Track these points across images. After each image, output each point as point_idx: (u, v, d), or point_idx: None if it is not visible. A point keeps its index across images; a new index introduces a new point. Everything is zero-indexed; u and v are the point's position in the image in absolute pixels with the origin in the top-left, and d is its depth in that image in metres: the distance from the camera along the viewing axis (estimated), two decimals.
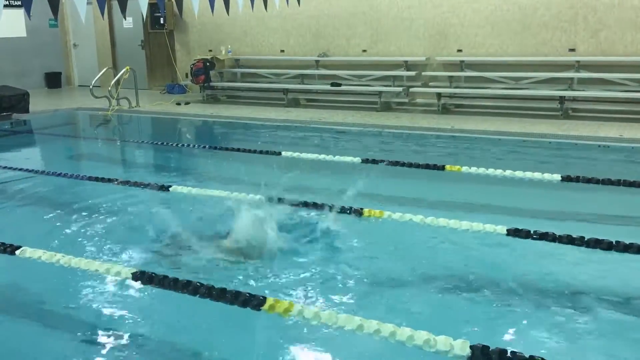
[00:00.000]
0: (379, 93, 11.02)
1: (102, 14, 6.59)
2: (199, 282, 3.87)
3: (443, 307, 3.82)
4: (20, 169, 7.25)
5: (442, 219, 4.95)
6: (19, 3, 13.61)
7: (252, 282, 4.15)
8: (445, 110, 10.59)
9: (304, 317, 3.49)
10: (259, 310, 3.59)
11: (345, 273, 4.24)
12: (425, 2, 11.28)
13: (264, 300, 3.64)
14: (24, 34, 14.51)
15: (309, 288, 4.04)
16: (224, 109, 11.64)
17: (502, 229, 4.70)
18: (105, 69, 12.45)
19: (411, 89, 11.01)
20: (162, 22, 13.92)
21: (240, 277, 4.20)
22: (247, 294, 3.71)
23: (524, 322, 3.56)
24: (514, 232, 4.63)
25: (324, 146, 8.56)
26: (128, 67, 11.67)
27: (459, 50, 11.15)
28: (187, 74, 13.89)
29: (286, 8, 11.61)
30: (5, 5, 12.92)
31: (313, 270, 4.31)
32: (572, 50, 10.26)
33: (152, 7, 13.65)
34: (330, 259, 4.50)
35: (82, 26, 15.05)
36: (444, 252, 4.55)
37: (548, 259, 4.38)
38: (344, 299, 3.90)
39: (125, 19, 13.63)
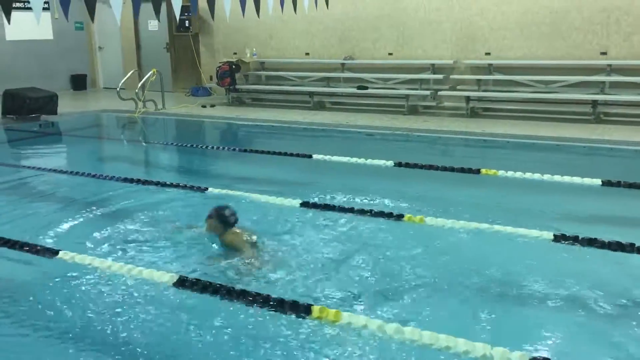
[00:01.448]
0: (406, 96, 10.92)
1: (137, 15, 6.57)
2: (243, 289, 3.81)
3: (497, 318, 3.72)
4: (54, 170, 7.29)
5: (485, 224, 4.85)
6: (46, 5, 13.74)
7: (294, 289, 4.10)
8: (473, 114, 10.47)
9: (351, 325, 3.42)
10: (305, 318, 3.53)
11: (389, 280, 4.17)
12: (453, 4, 11.18)
13: (309, 308, 3.57)
14: (50, 36, 14.63)
15: (354, 296, 3.97)
16: (250, 111, 11.62)
17: (548, 235, 4.58)
18: (132, 72, 12.50)
19: (438, 93, 10.90)
20: (187, 24, 13.95)
21: (282, 284, 4.14)
22: (293, 302, 3.64)
23: (580, 334, 3.46)
24: (561, 238, 4.51)
25: (353, 149, 8.47)
26: (154, 70, 11.70)
27: (487, 54, 11.02)
28: (211, 77, 13.93)
29: (312, 11, 11.60)
30: (30, 8, 13.08)
31: (356, 277, 4.24)
32: (604, 53, 10.09)
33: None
34: (373, 266, 4.43)
35: (108, 29, 15.16)
36: (492, 260, 4.44)
37: (600, 266, 4.27)
38: (390, 308, 3.82)
39: (159, 21, 13.66)
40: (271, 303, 3.67)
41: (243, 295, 3.77)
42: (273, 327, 3.56)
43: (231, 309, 3.76)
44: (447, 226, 4.97)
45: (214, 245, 4.72)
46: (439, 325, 3.45)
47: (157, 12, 6.57)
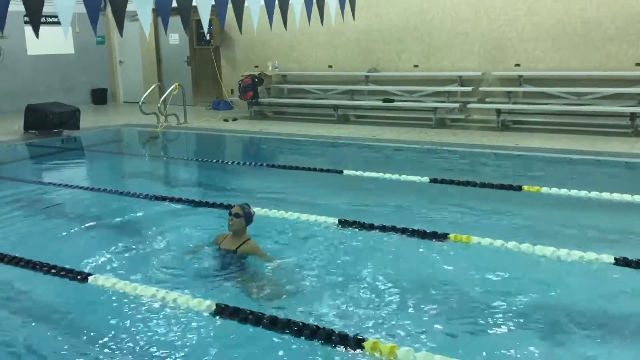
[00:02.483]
0: (434, 109, 10.66)
1: (165, 30, 6.41)
2: (288, 319, 3.56)
3: (556, 350, 3.43)
4: (80, 187, 7.12)
5: (539, 246, 4.56)
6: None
7: (336, 317, 3.83)
8: (504, 127, 10.17)
9: None
10: (358, 350, 3.26)
11: (440, 308, 3.89)
12: (481, 16, 10.93)
13: (361, 341, 3.30)
14: (72, 50, 14.59)
15: (405, 326, 3.70)
16: (273, 125, 11.42)
17: (609, 258, 4.28)
18: (154, 85, 12.39)
19: (467, 105, 10.62)
20: (208, 38, 13.84)
21: (322, 311, 3.88)
22: (344, 333, 3.38)
23: None
24: (623, 262, 4.21)
25: (384, 164, 8.23)
26: (177, 84, 11.56)
27: (517, 65, 10.74)
28: (232, 90, 13.78)
29: (333, 23, 11.41)
30: (54, 22, 13.03)
31: (406, 304, 3.97)
32: (639, 64, 9.77)
33: (197, 23, 13.62)
34: (420, 290, 4.15)
35: (128, 43, 15.11)
36: (546, 285, 4.15)
37: None
38: (445, 340, 3.55)
39: (187, 35, 13.61)
40: (321, 334, 3.41)
41: (288, 326, 3.52)
42: None
43: (275, 340, 3.51)
44: (495, 246, 4.69)
45: (229, 261, 4.53)
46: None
47: (185, 25, 6.40)
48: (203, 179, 8.07)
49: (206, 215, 5.82)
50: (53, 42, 13.63)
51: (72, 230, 5.57)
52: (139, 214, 6.02)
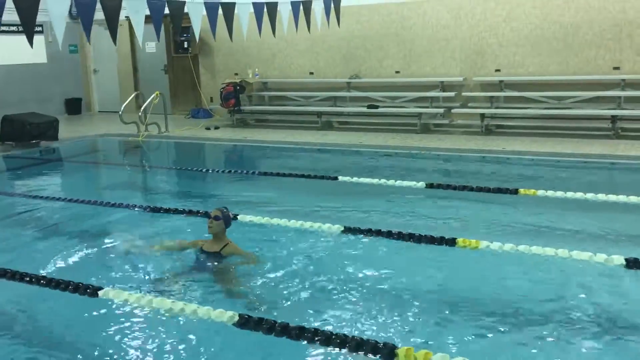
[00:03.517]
0: (419, 115, 10.74)
1: (158, 36, 6.32)
2: (316, 328, 3.51)
3: (575, 351, 3.47)
4: (65, 200, 6.92)
5: (549, 248, 4.62)
6: (40, 29, 13.39)
7: (357, 324, 3.81)
8: (487, 131, 10.31)
9: None
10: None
11: (456, 312, 3.90)
12: (462, 22, 11.08)
13: (393, 349, 3.27)
14: (44, 59, 14.24)
15: (423, 331, 3.69)
16: (257, 133, 11.34)
17: (619, 260, 4.36)
18: (134, 94, 12.19)
19: (452, 110, 10.74)
20: (186, 46, 13.69)
21: (336, 319, 3.85)
22: (374, 341, 3.35)
23: None
24: (634, 264, 4.29)
25: (377, 170, 8.24)
26: (158, 92, 11.39)
27: (497, 70, 10.92)
28: (211, 98, 13.64)
29: (316, 30, 11.42)
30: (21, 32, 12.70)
31: (424, 310, 3.96)
32: (617, 68, 10.04)
33: (175, 31, 13.46)
34: (434, 296, 4.16)
35: (103, 51, 14.83)
36: (559, 288, 4.20)
37: None
38: (461, 342, 3.55)
39: (178, 42, 13.49)
40: (349, 343, 3.37)
41: (315, 335, 3.47)
42: None
43: (302, 350, 3.46)
44: (505, 250, 4.73)
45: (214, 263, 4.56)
46: None
47: (176, 31, 6.34)
48: (194, 189, 7.93)
49: (200, 225, 5.71)
50: (25, 51, 13.30)
51: (58, 243, 5.41)
52: (126, 224, 5.89)
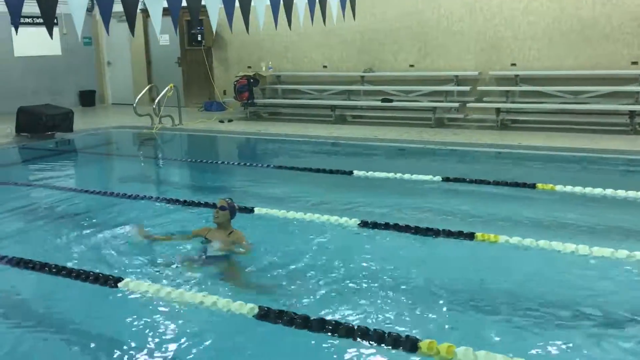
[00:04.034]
0: (433, 109, 10.68)
1: (175, 29, 6.31)
2: (337, 320, 3.51)
3: (600, 346, 3.44)
4: (83, 191, 6.95)
5: (569, 244, 4.57)
6: (55, 21, 13.43)
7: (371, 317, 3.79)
8: (503, 126, 10.24)
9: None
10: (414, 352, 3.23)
11: (476, 306, 3.87)
12: (477, 15, 11.00)
13: (416, 343, 3.26)
14: (59, 52, 14.30)
15: (443, 325, 3.68)
16: (270, 126, 11.34)
17: None
18: (149, 87, 12.22)
19: (467, 105, 10.67)
20: (199, 38, 13.69)
21: (356, 309, 3.84)
22: (396, 334, 3.34)
23: None
24: None
25: (391, 164, 8.22)
26: (172, 85, 11.40)
27: (513, 64, 10.83)
28: (224, 91, 13.65)
29: (330, 23, 11.36)
30: (40, 23, 12.76)
31: (444, 304, 3.94)
32: (635, 63, 9.92)
33: (189, 23, 13.48)
34: (453, 290, 4.13)
35: (117, 44, 14.87)
36: (581, 284, 4.17)
37: None
38: (483, 336, 3.53)
39: (198, 34, 13.49)
40: (370, 335, 3.37)
41: (337, 327, 3.46)
42: None
43: (322, 343, 3.45)
44: (523, 245, 4.69)
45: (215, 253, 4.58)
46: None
47: (194, 21, 6.32)
48: (208, 181, 7.94)
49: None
50: (40, 43, 13.38)
51: (76, 234, 5.42)
52: (139, 216, 5.89)
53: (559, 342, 3.40)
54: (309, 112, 12.16)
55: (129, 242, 5.00)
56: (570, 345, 3.40)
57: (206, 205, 6.03)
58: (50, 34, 5.13)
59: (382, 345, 3.30)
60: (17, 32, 5.20)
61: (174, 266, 4.54)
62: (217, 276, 4.43)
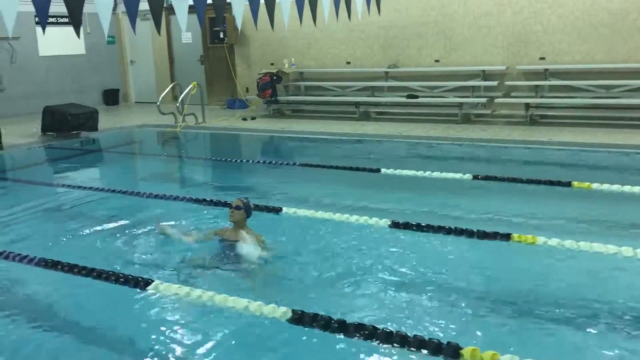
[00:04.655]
0: (460, 105, 10.50)
1: (201, 25, 6.24)
2: (374, 325, 3.40)
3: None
4: (110, 190, 6.91)
5: (612, 246, 4.40)
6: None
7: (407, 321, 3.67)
8: (532, 121, 10.02)
9: None
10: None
11: (516, 311, 3.74)
12: (504, 8, 10.77)
13: (458, 350, 3.14)
14: (83, 51, 14.37)
15: (482, 331, 3.55)
16: (294, 123, 11.24)
17: None
18: (172, 85, 12.21)
19: (495, 100, 10.46)
20: (222, 36, 13.64)
21: (389, 314, 3.73)
22: (436, 341, 3.22)
23: None
24: None
25: (420, 162, 8.07)
26: (195, 83, 11.37)
27: (542, 58, 10.59)
28: (247, 89, 13.60)
29: (354, 19, 11.21)
30: (64, 23, 12.83)
31: (481, 309, 3.81)
32: None
33: (212, 21, 13.44)
34: (490, 293, 4.00)
35: (140, 43, 14.90)
36: (626, 288, 4.00)
37: None
38: (525, 342, 3.39)
39: (220, 31, 13.46)
40: (409, 341, 3.25)
41: (374, 333, 3.36)
42: None
43: (356, 348, 3.35)
44: (563, 247, 4.53)
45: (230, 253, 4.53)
46: None
47: (218, 22, 6.24)
48: (233, 180, 7.86)
49: (253, 217, 5.63)
50: (64, 42, 13.46)
51: (101, 234, 5.37)
52: (164, 215, 5.79)
53: (610, 349, 3.25)
54: (333, 109, 12.05)
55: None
56: (624, 354, 3.25)
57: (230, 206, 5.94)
58: (78, 33, 5.09)
59: (423, 351, 3.18)
60: (44, 32, 5.18)
61: (201, 268, 4.47)
62: (247, 278, 4.35)
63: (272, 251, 4.62)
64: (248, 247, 4.43)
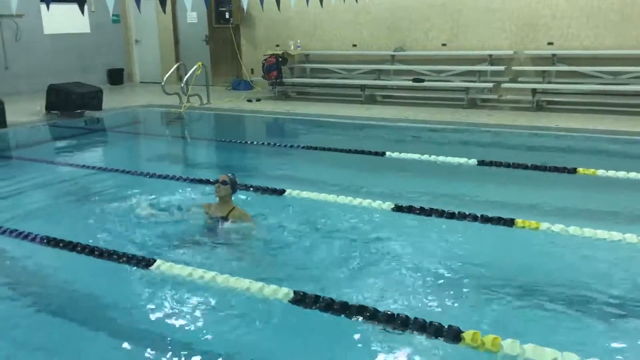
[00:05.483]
0: (466, 89, 10.41)
1: (207, 4, 6.19)
2: (376, 308, 3.39)
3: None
4: (113, 170, 6.90)
5: (616, 232, 4.37)
6: None
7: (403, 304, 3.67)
8: (538, 107, 9.94)
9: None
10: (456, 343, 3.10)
11: (519, 296, 3.73)
12: None
13: (459, 334, 3.13)
14: (87, 30, 14.29)
15: (484, 315, 3.54)
16: (299, 106, 11.18)
17: None
18: (177, 65, 12.13)
19: (501, 85, 10.37)
20: (227, 16, 13.54)
21: (392, 297, 3.72)
22: (438, 324, 3.22)
23: None
24: None
25: (425, 146, 8.03)
26: (200, 63, 11.29)
27: (550, 43, 10.47)
28: (252, 70, 13.52)
29: (361, 0, 11.12)
30: (70, 0, 12.72)
31: (483, 293, 3.80)
32: None
33: (217, 1, 13.34)
34: (493, 279, 3.98)
35: (145, 22, 14.80)
36: (630, 274, 3.98)
37: None
38: (525, 327, 3.39)
39: (226, 12, 13.35)
40: (411, 325, 3.25)
41: (375, 315, 3.35)
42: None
43: (357, 330, 3.35)
44: (568, 233, 4.51)
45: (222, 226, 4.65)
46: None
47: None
48: (237, 161, 7.84)
49: (256, 199, 5.62)
50: (69, 21, 13.38)
51: (104, 213, 5.36)
52: (166, 195, 5.78)
53: (613, 335, 3.24)
54: (338, 92, 11.98)
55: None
56: (624, 340, 3.24)
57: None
58: (82, 11, 5.05)
59: (424, 334, 3.18)
60: (48, 8, 5.15)
61: (199, 246, 4.49)
62: (247, 257, 4.36)
63: (258, 226, 4.71)
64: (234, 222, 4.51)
